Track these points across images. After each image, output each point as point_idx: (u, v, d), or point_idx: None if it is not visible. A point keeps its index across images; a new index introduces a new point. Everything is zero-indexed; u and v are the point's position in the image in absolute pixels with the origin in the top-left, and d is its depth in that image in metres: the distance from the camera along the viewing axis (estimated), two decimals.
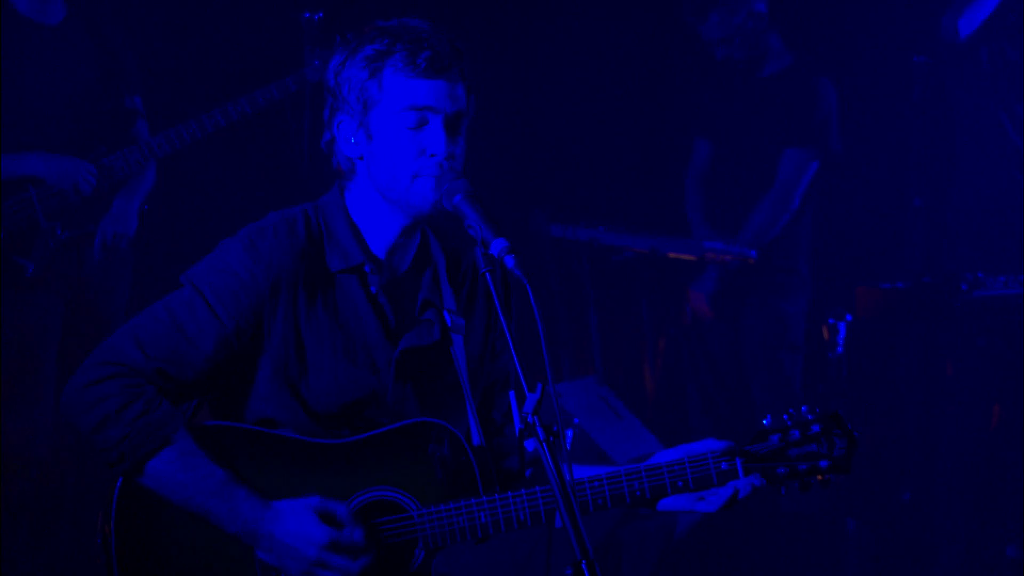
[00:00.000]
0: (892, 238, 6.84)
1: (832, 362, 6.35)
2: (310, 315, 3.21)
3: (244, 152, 6.27)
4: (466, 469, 3.21)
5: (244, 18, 6.39)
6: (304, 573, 3.10)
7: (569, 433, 5.91)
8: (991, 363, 6.13)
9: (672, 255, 6.65)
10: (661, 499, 3.25)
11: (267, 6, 6.24)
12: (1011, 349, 6.05)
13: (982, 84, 6.24)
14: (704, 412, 6.79)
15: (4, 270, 5.33)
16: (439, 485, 3.19)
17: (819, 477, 3.21)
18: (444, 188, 3.11)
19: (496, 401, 3.43)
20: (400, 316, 3.28)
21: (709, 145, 6.78)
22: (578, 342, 7.07)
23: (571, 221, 6.77)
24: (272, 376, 3.21)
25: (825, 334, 6.36)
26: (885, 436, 6.73)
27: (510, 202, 6.91)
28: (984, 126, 6.26)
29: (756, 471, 3.21)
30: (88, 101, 5.47)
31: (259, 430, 3.20)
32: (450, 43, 3.16)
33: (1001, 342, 6.08)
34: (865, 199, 6.94)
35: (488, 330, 3.39)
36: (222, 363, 3.18)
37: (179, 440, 3.12)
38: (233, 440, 3.19)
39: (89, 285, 5.57)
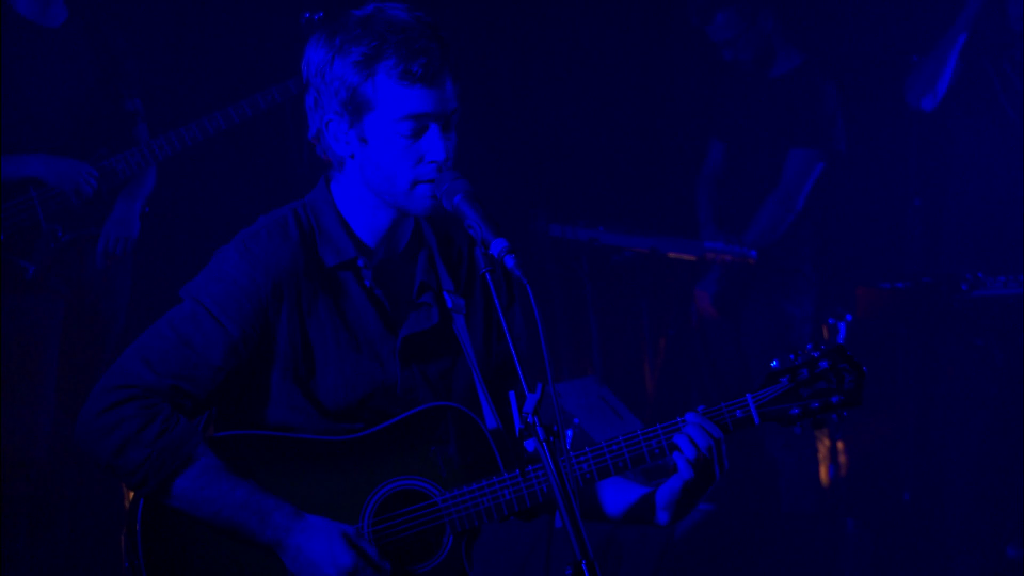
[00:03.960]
0: (892, 238, 6.84)
1: None
2: (312, 313, 3.20)
3: (244, 154, 6.28)
4: (485, 449, 3.21)
5: (244, 20, 6.40)
6: None
7: (569, 433, 5.92)
8: (991, 363, 6.13)
9: (672, 255, 6.65)
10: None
11: (267, 7, 6.24)
12: (1011, 349, 6.06)
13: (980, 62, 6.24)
14: None
15: (5, 272, 5.33)
16: (459, 468, 3.20)
17: (834, 413, 3.19)
18: (444, 188, 3.10)
19: (510, 382, 3.39)
20: (397, 304, 3.27)
21: (723, 147, 6.78)
22: (578, 342, 7.08)
23: (571, 221, 6.78)
24: (282, 379, 3.20)
25: (825, 334, 6.36)
26: (885, 436, 6.73)
27: (510, 202, 6.92)
28: (984, 125, 6.26)
29: (769, 415, 3.19)
30: (89, 103, 5.47)
31: (274, 434, 3.19)
32: (435, 36, 3.11)
33: (1001, 342, 6.09)
34: (865, 199, 6.95)
35: (490, 309, 3.37)
36: (232, 372, 3.16)
37: (201, 456, 3.11)
38: (250, 448, 3.17)
39: (90, 287, 5.57)
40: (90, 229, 5.51)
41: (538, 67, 7.34)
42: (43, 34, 5.39)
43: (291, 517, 3.11)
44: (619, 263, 6.78)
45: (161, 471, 3.09)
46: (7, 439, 5.37)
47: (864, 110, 6.75)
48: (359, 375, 3.21)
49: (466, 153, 3.22)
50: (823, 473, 6.62)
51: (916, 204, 6.54)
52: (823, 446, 6.62)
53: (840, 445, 6.61)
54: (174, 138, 5.48)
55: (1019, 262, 6.14)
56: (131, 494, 3.18)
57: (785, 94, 6.51)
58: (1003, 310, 6.01)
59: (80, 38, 5.47)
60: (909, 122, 6.57)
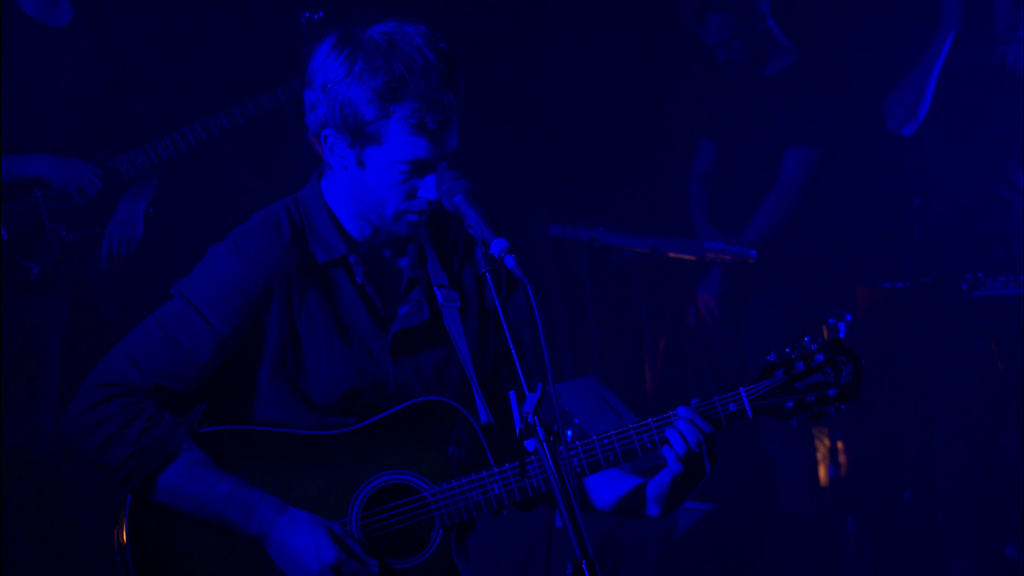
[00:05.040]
0: (892, 238, 6.84)
1: None
2: (303, 310, 3.22)
3: (246, 154, 6.28)
4: (475, 443, 3.22)
5: (246, 20, 6.40)
6: None
7: (569, 433, 5.92)
8: (991, 363, 6.13)
9: (672, 255, 6.65)
10: None
11: (268, 7, 6.25)
12: (1011, 349, 6.06)
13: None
14: None
15: (9, 272, 5.33)
16: (449, 462, 3.20)
17: (831, 407, 3.18)
18: (444, 188, 3.12)
19: (509, 378, 3.39)
20: (388, 300, 3.28)
21: (713, 146, 6.79)
22: (578, 342, 7.08)
23: (571, 221, 6.78)
24: (271, 375, 3.21)
25: (825, 334, 6.36)
26: (885, 436, 6.73)
27: (510, 202, 6.92)
28: (982, 124, 6.26)
29: (764, 408, 3.18)
30: (93, 103, 5.47)
31: (262, 429, 3.20)
32: (453, 81, 3.10)
33: (1001, 342, 6.09)
34: (865, 199, 6.95)
35: (487, 302, 3.37)
36: (220, 369, 3.18)
37: (185, 451, 3.13)
38: (238, 443, 3.19)
39: (93, 287, 5.57)
40: (94, 229, 5.52)
41: (539, 67, 7.34)
42: (48, 33, 5.40)
43: (276, 510, 3.13)
44: (619, 263, 6.78)
45: (145, 467, 3.11)
46: (9, 439, 5.37)
47: (864, 110, 6.75)
48: (351, 371, 3.22)
49: (466, 153, 3.22)
50: (823, 473, 6.62)
51: (916, 204, 6.54)
52: (823, 446, 6.62)
53: (840, 445, 6.61)
54: (178, 138, 5.48)
55: (1019, 262, 6.14)
56: None
57: (778, 93, 6.51)
58: (1003, 310, 6.01)
59: (85, 38, 5.47)
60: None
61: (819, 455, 6.64)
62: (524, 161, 7.26)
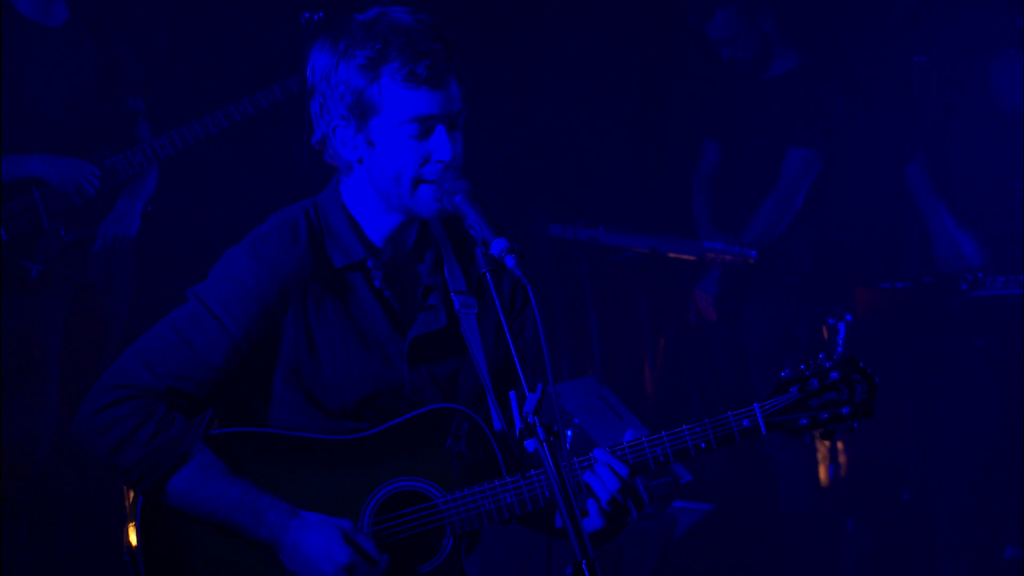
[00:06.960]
0: (892, 238, 6.84)
1: None
2: (319, 314, 3.21)
3: (245, 152, 6.28)
4: (488, 452, 3.22)
5: (245, 19, 6.40)
6: None
7: (569, 433, 5.92)
8: (991, 363, 6.13)
9: (672, 255, 6.65)
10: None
11: (267, 6, 6.25)
12: (1011, 349, 6.06)
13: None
14: (705, 412, 6.79)
15: (8, 272, 5.33)
16: (462, 470, 3.20)
17: (844, 424, 3.19)
18: (445, 188, 3.10)
19: (512, 382, 3.38)
20: (406, 306, 3.27)
21: (717, 146, 6.78)
22: (578, 342, 7.08)
23: (571, 221, 6.78)
24: (286, 380, 3.20)
25: (825, 334, 6.36)
26: (885, 436, 6.73)
27: (510, 202, 6.92)
28: (984, 126, 6.26)
29: (777, 425, 3.19)
30: (90, 102, 5.47)
31: (276, 432, 3.20)
32: (439, 38, 3.12)
33: (1001, 342, 6.09)
34: (865, 199, 6.95)
35: (504, 308, 3.36)
36: (234, 372, 3.17)
37: (197, 455, 3.12)
38: (250, 445, 3.18)
39: (92, 287, 5.57)
40: (93, 229, 5.51)
41: (538, 67, 7.34)
42: (44, 33, 5.39)
43: (286, 515, 3.12)
44: (619, 263, 6.78)
45: (156, 471, 3.11)
46: (9, 440, 5.37)
47: (864, 110, 6.75)
48: (367, 375, 3.22)
49: (466, 153, 3.22)
50: (823, 473, 6.62)
51: (916, 204, 6.54)
52: (823, 446, 6.62)
53: (840, 445, 6.62)
54: (176, 137, 5.47)
55: (1019, 262, 6.14)
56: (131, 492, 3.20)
57: (783, 94, 6.51)
58: (1003, 310, 6.01)
59: (81, 37, 5.47)
60: (909, 122, 6.57)
61: (819, 455, 6.65)
62: (524, 161, 7.26)
